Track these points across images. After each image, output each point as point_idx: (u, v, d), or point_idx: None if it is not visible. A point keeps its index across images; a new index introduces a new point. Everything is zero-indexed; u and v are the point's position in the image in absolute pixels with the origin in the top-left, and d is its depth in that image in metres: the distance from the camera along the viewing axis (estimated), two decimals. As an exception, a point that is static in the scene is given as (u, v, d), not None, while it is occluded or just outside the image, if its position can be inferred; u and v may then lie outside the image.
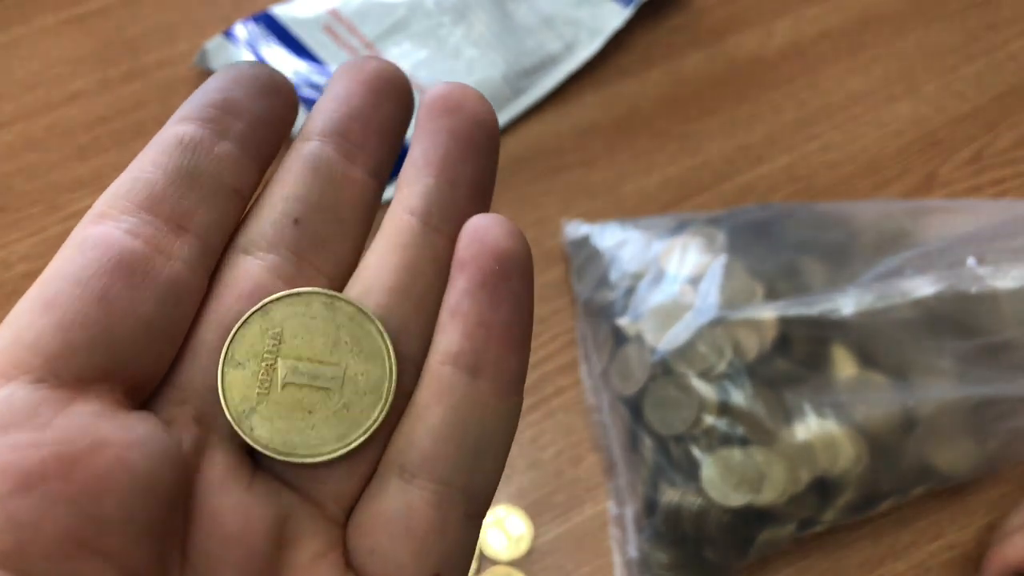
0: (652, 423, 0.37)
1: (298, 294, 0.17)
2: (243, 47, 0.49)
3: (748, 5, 0.54)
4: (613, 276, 0.41)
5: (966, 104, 0.51)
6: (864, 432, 0.36)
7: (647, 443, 0.37)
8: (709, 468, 0.35)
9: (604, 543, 0.38)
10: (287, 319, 0.17)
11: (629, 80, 0.51)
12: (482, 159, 0.18)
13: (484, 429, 0.17)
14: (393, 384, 0.17)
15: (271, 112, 0.18)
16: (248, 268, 0.17)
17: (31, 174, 0.47)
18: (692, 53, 0.52)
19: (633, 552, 0.37)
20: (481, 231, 0.17)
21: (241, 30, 0.50)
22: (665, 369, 0.37)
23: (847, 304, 0.37)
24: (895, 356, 0.37)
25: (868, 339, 0.37)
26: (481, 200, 0.18)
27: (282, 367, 0.17)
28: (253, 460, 0.17)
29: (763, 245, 0.40)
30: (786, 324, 0.37)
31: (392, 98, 0.18)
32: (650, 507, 0.36)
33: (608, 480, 0.39)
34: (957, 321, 0.37)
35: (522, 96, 0.50)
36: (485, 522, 0.38)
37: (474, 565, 0.38)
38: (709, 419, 0.36)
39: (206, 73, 0.50)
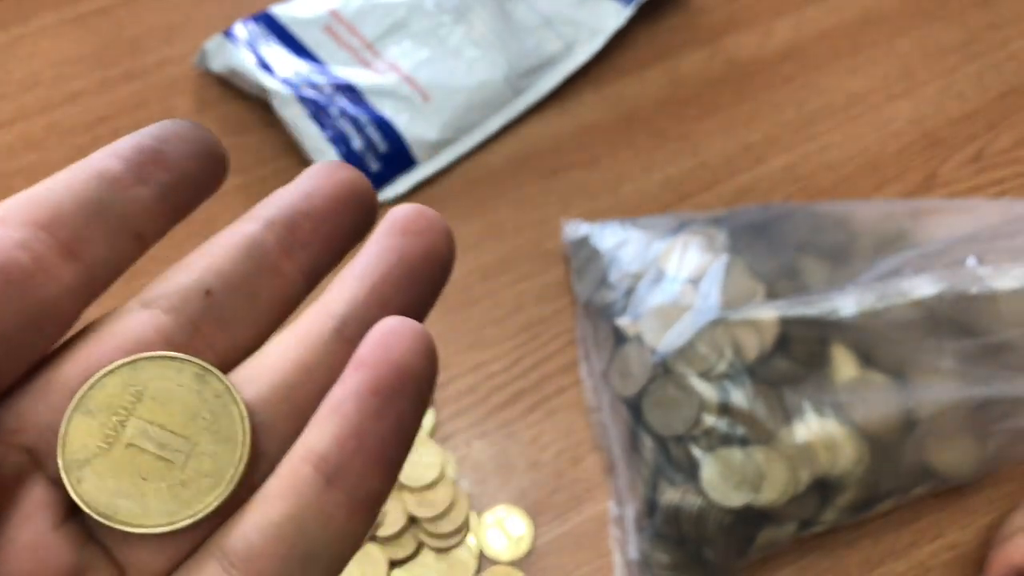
0: (652, 423, 0.37)
1: (172, 358, 0.16)
2: (243, 47, 0.49)
3: (748, 5, 0.54)
4: (613, 276, 0.41)
5: (966, 104, 0.51)
6: (864, 432, 0.36)
7: (647, 443, 0.37)
8: (709, 468, 0.35)
9: (604, 543, 0.38)
10: (154, 380, 0.16)
11: (629, 80, 0.51)
12: (422, 293, 0.18)
13: (321, 540, 0.16)
14: (239, 474, 0.16)
15: (198, 172, 0.18)
16: (139, 321, 0.17)
17: (31, 174, 0.47)
18: (692, 53, 0.52)
19: (633, 552, 0.37)
20: (390, 337, 0.16)
21: (241, 30, 0.50)
22: (665, 369, 0.37)
23: (847, 304, 0.37)
24: (895, 356, 0.37)
25: (868, 339, 0.37)
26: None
27: (132, 426, 0.16)
28: (73, 509, 0.16)
29: (763, 245, 0.40)
30: (786, 324, 0.37)
31: (355, 212, 0.18)
32: (650, 507, 0.36)
33: (608, 480, 0.40)
34: (957, 321, 0.37)
35: (522, 96, 0.50)
36: (486, 522, 0.38)
37: (474, 565, 0.38)
38: (709, 419, 0.36)
39: (206, 73, 0.50)
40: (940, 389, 0.36)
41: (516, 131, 0.50)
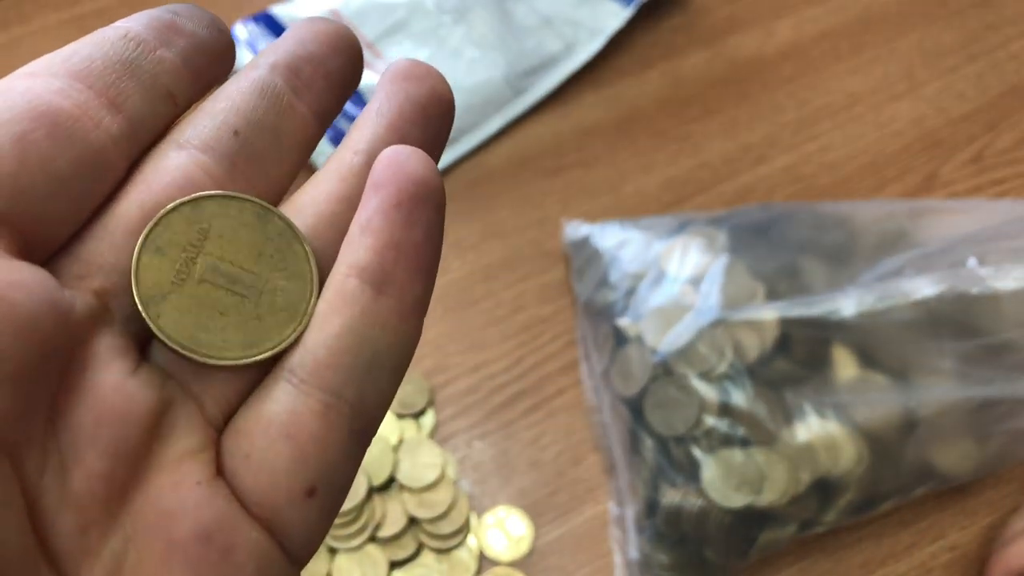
0: (653, 424, 0.37)
1: (233, 197, 0.17)
2: (243, 47, 0.49)
3: (748, 5, 0.54)
4: (613, 276, 0.41)
5: (967, 104, 0.51)
6: (865, 433, 0.36)
7: (648, 444, 0.37)
8: (710, 469, 0.35)
9: (605, 544, 0.38)
10: (217, 218, 0.17)
11: (629, 80, 0.51)
12: (433, 129, 0.18)
13: (381, 346, 0.17)
14: (311, 307, 0.17)
15: (213, 42, 0.18)
16: (180, 161, 0.17)
17: (31, 174, 0.47)
18: (692, 53, 0.52)
19: (634, 553, 0.37)
20: (400, 156, 0.17)
21: (241, 30, 0.50)
22: (666, 370, 0.37)
23: (848, 305, 0.37)
24: (896, 357, 0.37)
25: (869, 340, 0.37)
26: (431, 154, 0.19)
27: (202, 263, 0.16)
28: (143, 350, 0.16)
29: (764, 246, 0.40)
30: (787, 325, 0.37)
31: (346, 55, 0.19)
32: (651, 508, 0.36)
33: (609, 481, 0.39)
34: (958, 322, 0.37)
35: (522, 96, 0.50)
36: (486, 523, 0.38)
37: (474, 565, 0.38)
38: (710, 420, 0.36)
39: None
40: (941, 390, 0.36)
41: (516, 131, 0.49)
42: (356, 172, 0.18)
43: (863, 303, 0.37)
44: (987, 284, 0.37)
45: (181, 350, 0.16)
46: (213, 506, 0.16)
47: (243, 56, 0.48)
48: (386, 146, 0.18)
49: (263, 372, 0.17)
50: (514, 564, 0.38)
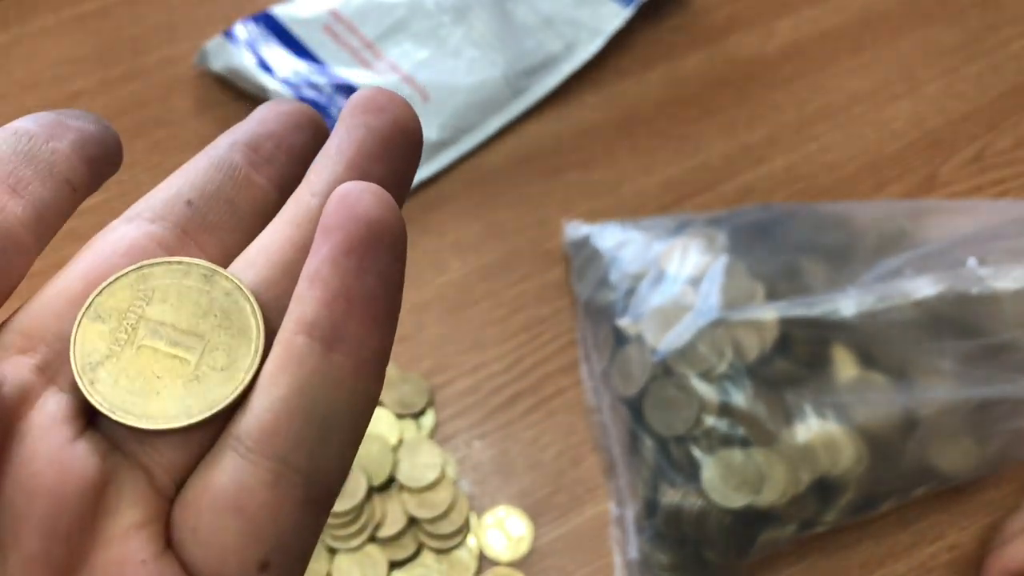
0: (652, 424, 0.37)
1: (179, 262, 0.17)
2: (243, 47, 0.49)
3: (748, 5, 0.54)
4: (613, 277, 0.41)
5: (967, 104, 0.51)
6: (865, 433, 0.36)
7: (648, 444, 0.37)
8: (710, 469, 0.35)
9: (605, 544, 0.38)
10: (161, 283, 0.16)
11: (629, 80, 0.51)
12: (397, 162, 0.17)
13: (334, 408, 0.15)
14: (254, 364, 0.16)
15: (101, 134, 0.19)
16: (128, 232, 0.17)
17: (31, 174, 0.47)
18: (692, 53, 0.52)
19: (634, 553, 0.37)
20: (351, 197, 0.16)
21: (241, 30, 0.50)
22: (666, 370, 0.37)
23: (848, 305, 0.37)
24: (896, 357, 0.37)
25: (869, 340, 0.37)
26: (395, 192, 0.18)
27: (143, 327, 0.16)
28: (90, 419, 0.16)
29: (764, 246, 0.40)
30: (787, 325, 0.37)
31: (308, 130, 0.19)
32: (651, 508, 0.36)
33: (608, 481, 0.39)
34: (958, 322, 0.37)
35: (522, 96, 0.50)
36: (486, 523, 0.38)
37: (474, 566, 0.38)
38: (710, 420, 0.36)
39: (206, 73, 0.50)
40: (941, 390, 0.36)
41: (516, 131, 0.49)
42: (312, 217, 0.17)
43: (863, 303, 0.37)
44: (987, 284, 0.37)
45: (115, 415, 0.15)
46: None
47: (243, 56, 0.48)
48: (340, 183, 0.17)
49: (214, 437, 0.16)
50: (514, 564, 0.38)
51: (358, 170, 0.17)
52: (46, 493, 0.14)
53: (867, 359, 0.37)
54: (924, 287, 0.37)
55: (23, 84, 0.50)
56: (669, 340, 0.37)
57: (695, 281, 0.39)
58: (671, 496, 0.36)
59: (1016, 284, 0.37)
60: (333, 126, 0.50)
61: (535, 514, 0.39)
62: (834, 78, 0.52)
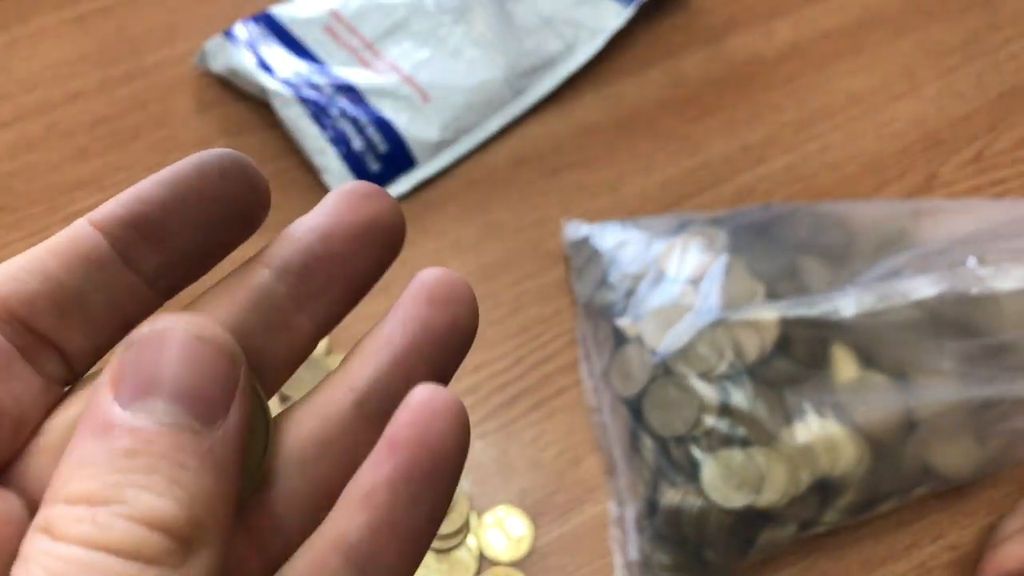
0: (652, 424, 0.37)
1: None
2: (243, 47, 0.49)
3: (748, 5, 0.54)
4: (613, 277, 0.41)
5: (967, 104, 0.51)
6: (865, 433, 0.36)
7: (648, 444, 0.37)
8: (710, 469, 0.35)
9: (605, 544, 0.38)
10: None
11: (629, 80, 0.51)
12: (446, 363, 0.17)
13: None
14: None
15: (217, 233, 0.17)
16: None
17: (31, 174, 0.47)
18: (692, 53, 0.52)
19: (634, 553, 0.37)
20: (426, 415, 0.15)
21: (241, 30, 0.50)
22: (666, 370, 0.37)
23: (848, 305, 0.37)
24: (896, 357, 0.37)
25: (869, 340, 0.37)
26: None
27: None
28: None
29: (764, 246, 0.40)
30: (787, 325, 0.37)
31: (377, 249, 0.17)
32: (651, 508, 0.36)
33: (609, 481, 0.39)
34: (958, 322, 0.37)
35: (522, 96, 0.50)
36: (486, 523, 0.38)
37: (474, 566, 0.38)
38: (710, 420, 0.36)
39: (206, 73, 0.50)
40: (941, 390, 0.36)
41: (516, 131, 0.49)
42: (344, 416, 0.16)
43: (863, 303, 0.37)
44: (987, 284, 0.37)
45: None
46: None
47: (243, 57, 0.48)
48: (386, 387, 0.16)
49: None
50: (514, 564, 0.38)
51: (402, 368, 0.16)
52: None
53: (867, 359, 0.37)
54: (924, 287, 0.37)
55: (23, 84, 0.50)
56: (669, 340, 0.37)
57: (695, 281, 0.39)
58: (671, 496, 0.36)
59: (1016, 284, 0.37)
60: (331, 125, 0.50)
61: (535, 514, 0.39)
62: (834, 78, 0.52)
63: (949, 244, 0.39)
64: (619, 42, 0.52)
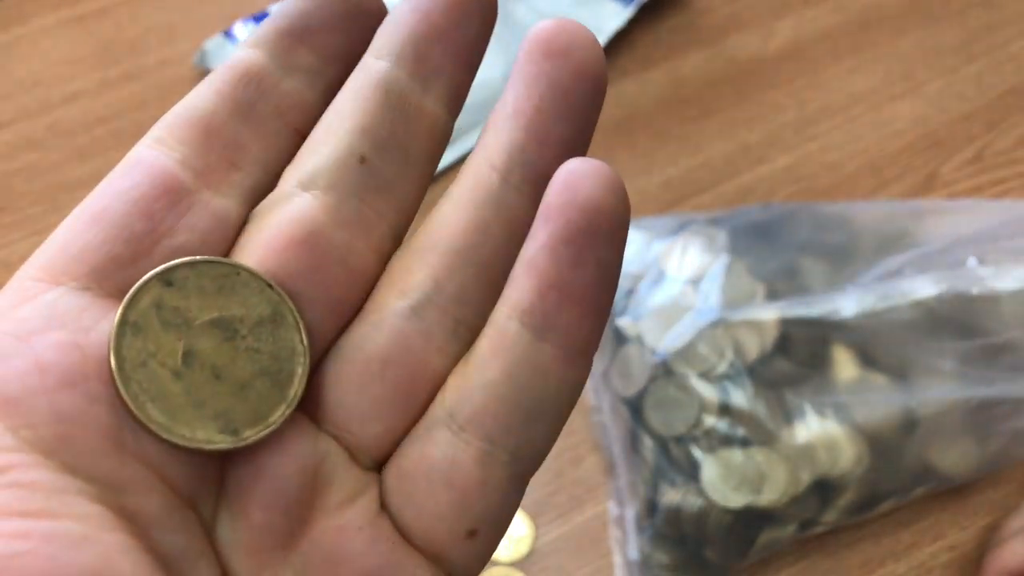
0: (653, 424, 0.37)
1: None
2: (243, 47, 0.49)
3: (748, 5, 0.54)
4: (613, 276, 0.41)
5: (967, 104, 0.51)
6: (865, 433, 0.36)
7: (648, 444, 0.37)
8: (710, 469, 0.35)
9: (605, 544, 0.38)
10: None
11: (629, 80, 0.51)
12: (580, 117, 0.16)
13: (542, 395, 0.16)
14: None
15: (347, 45, 0.17)
16: (305, 206, 0.16)
17: (31, 174, 0.47)
18: (692, 53, 0.52)
19: (634, 553, 0.37)
20: (574, 179, 0.15)
21: (241, 30, 0.50)
22: (666, 370, 0.37)
23: (848, 305, 0.37)
24: (896, 357, 0.37)
25: (869, 340, 0.37)
26: (571, 158, 0.16)
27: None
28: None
29: (764, 246, 0.40)
30: (787, 325, 0.37)
31: (477, 18, 0.17)
32: (651, 508, 0.36)
33: (609, 481, 0.39)
34: (958, 322, 0.37)
35: (522, 96, 0.50)
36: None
37: (474, 566, 0.38)
38: (710, 420, 0.36)
39: (206, 73, 0.50)
40: (941, 390, 0.36)
41: (516, 131, 0.49)
42: (494, 194, 0.16)
43: (863, 303, 0.37)
44: (987, 284, 0.37)
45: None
46: (376, 551, 0.16)
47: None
48: (526, 155, 0.16)
49: (410, 415, 0.16)
50: (514, 564, 0.38)
51: (539, 134, 0.16)
52: (267, 476, 0.15)
53: (867, 359, 0.37)
54: (924, 287, 0.37)
55: (23, 84, 0.50)
56: (669, 340, 0.37)
57: (695, 281, 0.39)
58: (671, 496, 0.36)
59: (1016, 284, 0.37)
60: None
61: (535, 514, 0.39)
62: (834, 78, 0.52)
63: (949, 244, 0.39)
64: (619, 42, 0.52)
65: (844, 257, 0.39)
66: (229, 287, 0.16)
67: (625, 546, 0.38)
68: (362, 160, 0.16)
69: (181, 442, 0.15)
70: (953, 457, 0.37)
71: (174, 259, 0.16)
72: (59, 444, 0.14)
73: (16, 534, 0.13)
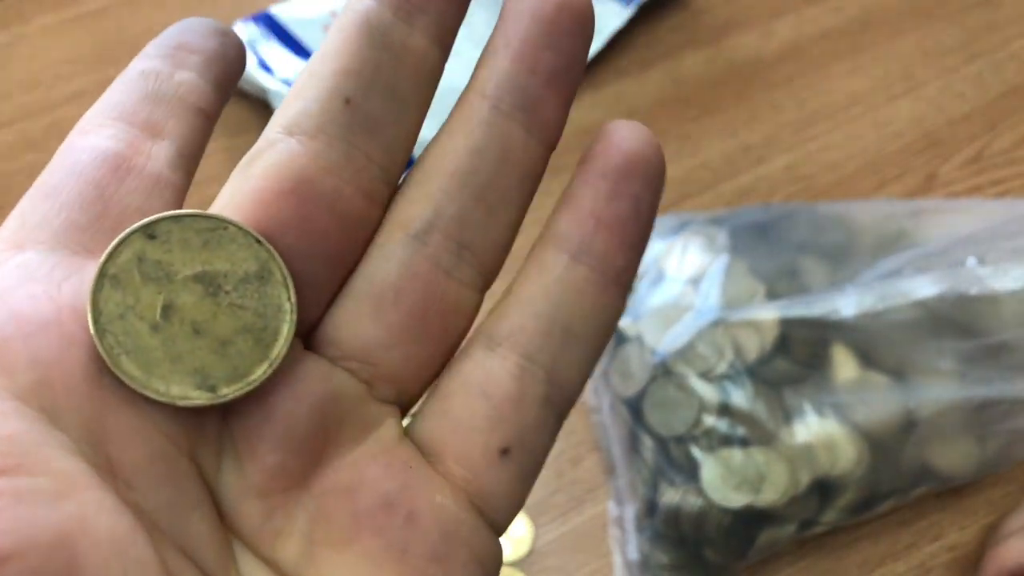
0: (652, 424, 0.37)
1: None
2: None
3: (748, 5, 0.54)
4: (613, 276, 0.41)
5: (966, 104, 0.51)
6: (864, 433, 0.36)
7: (647, 444, 0.37)
8: (709, 469, 0.35)
9: (604, 544, 0.38)
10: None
11: (629, 80, 0.51)
12: (566, 46, 0.17)
13: (576, 315, 0.17)
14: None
15: (222, 48, 0.18)
16: (293, 151, 0.16)
17: (31, 174, 0.47)
18: (692, 53, 0.52)
19: (633, 553, 0.37)
20: (614, 131, 0.17)
21: (241, 30, 0.50)
22: (665, 370, 0.37)
23: (847, 305, 0.37)
24: (895, 357, 0.37)
25: (868, 340, 0.37)
26: (560, 89, 0.17)
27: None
28: (305, 342, 0.17)
29: (764, 245, 0.40)
30: (787, 324, 0.37)
31: None
32: (650, 508, 0.36)
33: (609, 481, 0.39)
34: (957, 322, 0.37)
35: (522, 96, 0.50)
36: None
37: (474, 566, 0.38)
38: (709, 420, 0.36)
39: (206, 73, 0.50)
40: (940, 389, 0.36)
41: (516, 131, 0.49)
42: (485, 120, 0.17)
43: (863, 303, 0.37)
44: (986, 284, 0.37)
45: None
46: (391, 475, 0.16)
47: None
48: (515, 82, 0.17)
49: (446, 354, 0.17)
50: (514, 564, 0.38)
51: (527, 62, 0.17)
52: (276, 415, 0.16)
53: (867, 359, 0.37)
54: (924, 287, 0.37)
55: (23, 84, 0.50)
56: (669, 340, 0.37)
57: (695, 281, 0.39)
58: (671, 496, 0.36)
59: (1016, 284, 0.37)
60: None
61: (535, 514, 0.39)
62: (834, 78, 0.52)
63: (949, 244, 0.39)
64: (619, 42, 0.52)
65: (844, 257, 0.39)
66: (215, 241, 0.15)
67: (625, 546, 0.38)
68: (347, 102, 0.16)
69: (154, 396, 0.15)
70: (953, 457, 0.37)
71: (130, 219, 0.16)
72: (37, 389, 0.14)
73: None
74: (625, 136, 0.17)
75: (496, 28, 0.17)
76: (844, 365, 0.37)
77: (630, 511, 0.38)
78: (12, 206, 0.46)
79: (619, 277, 0.17)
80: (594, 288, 0.17)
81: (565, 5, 0.17)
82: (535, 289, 0.17)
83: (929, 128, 0.50)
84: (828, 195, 0.47)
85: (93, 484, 0.14)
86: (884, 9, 0.55)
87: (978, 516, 0.39)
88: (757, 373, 0.36)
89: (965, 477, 0.37)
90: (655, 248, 0.41)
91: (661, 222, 0.42)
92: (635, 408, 0.38)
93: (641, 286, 0.40)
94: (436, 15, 0.17)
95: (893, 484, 0.36)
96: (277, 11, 0.51)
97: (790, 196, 0.47)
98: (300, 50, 0.50)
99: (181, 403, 0.15)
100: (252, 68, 0.48)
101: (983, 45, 0.53)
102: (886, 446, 0.36)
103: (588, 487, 0.39)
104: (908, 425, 0.36)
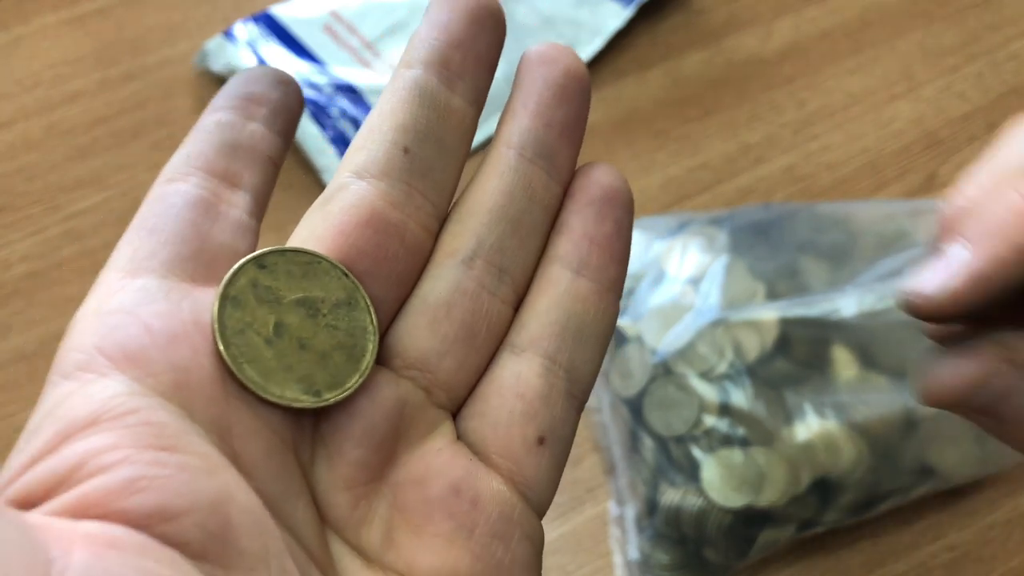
0: (652, 424, 0.37)
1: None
2: (243, 47, 0.49)
3: (748, 5, 0.54)
4: (613, 276, 0.41)
5: (967, 104, 0.51)
6: (865, 433, 0.36)
7: (647, 444, 0.37)
8: (710, 469, 0.35)
9: (605, 544, 0.38)
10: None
11: (629, 80, 0.51)
12: (573, 104, 0.21)
13: (584, 320, 0.20)
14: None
15: (285, 98, 0.21)
16: (364, 192, 0.19)
17: (31, 174, 0.47)
18: (692, 53, 0.52)
19: (634, 552, 0.37)
20: (591, 169, 0.21)
21: (241, 30, 0.50)
22: (666, 370, 0.37)
23: (848, 305, 0.37)
24: (896, 357, 0.37)
25: (869, 340, 0.37)
26: (571, 138, 0.21)
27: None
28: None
29: (764, 245, 0.40)
30: (787, 324, 0.37)
31: (489, 28, 0.21)
32: (651, 508, 0.36)
33: (609, 481, 0.39)
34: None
35: (522, 96, 0.50)
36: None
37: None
38: (710, 420, 0.36)
39: (206, 73, 0.50)
40: (940, 390, 0.36)
41: (516, 131, 0.49)
42: (512, 167, 0.21)
43: (863, 303, 0.37)
44: (987, 284, 0.37)
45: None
46: (457, 466, 0.19)
47: (243, 57, 0.48)
48: (534, 134, 0.21)
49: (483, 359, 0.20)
50: (514, 564, 0.38)
51: (542, 118, 0.21)
52: (360, 417, 0.19)
53: (867, 359, 0.37)
54: (924, 287, 0.37)
55: (23, 84, 0.50)
56: (669, 340, 0.37)
57: (695, 281, 0.39)
58: (671, 496, 0.36)
59: (1016, 284, 0.37)
60: (331, 125, 0.50)
61: (535, 514, 0.39)
62: (834, 78, 0.52)
63: (949, 244, 0.39)
64: (619, 43, 0.52)
65: (844, 257, 0.39)
66: (312, 272, 0.18)
67: (625, 546, 0.38)
68: (405, 151, 0.20)
69: (273, 399, 0.17)
70: (953, 457, 0.37)
71: (224, 255, 0.19)
72: (176, 390, 0.16)
73: (154, 462, 0.15)
74: (601, 173, 0.21)
75: (514, 91, 0.21)
76: (844, 365, 0.37)
77: (630, 511, 0.38)
78: (12, 206, 0.46)
79: (613, 285, 0.20)
80: (595, 296, 0.20)
81: (571, 72, 0.21)
82: (547, 301, 0.20)
83: (929, 128, 0.50)
84: (828, 195, 0.47)
85: (228, 466, 0.16)
86: (884, 9, 0.55)
87: (978, 516, 0.39)
88: (757, 373, 0.36)
89: (965, 477, 0.37)
90: (655, 248, 0.41)
91: (661, 222, 0.42)
92: (635, 408, 0.38)
93: (641, 286, 0.40)
94: (472, 81, 0.21)
95: (893, 484, 0.36)
96: (277, 11, 0.51)
97: (790, 196, 0.47)
98: (300, 50, 0.50)
99: (295, 405, 0.17)
100: (252, 68, 0.48)
101: (983, 45, 0.53)
102: (886, 446, 0.36)
103: (588, 487, 0.39)
104: (908, 425, 0.36)
